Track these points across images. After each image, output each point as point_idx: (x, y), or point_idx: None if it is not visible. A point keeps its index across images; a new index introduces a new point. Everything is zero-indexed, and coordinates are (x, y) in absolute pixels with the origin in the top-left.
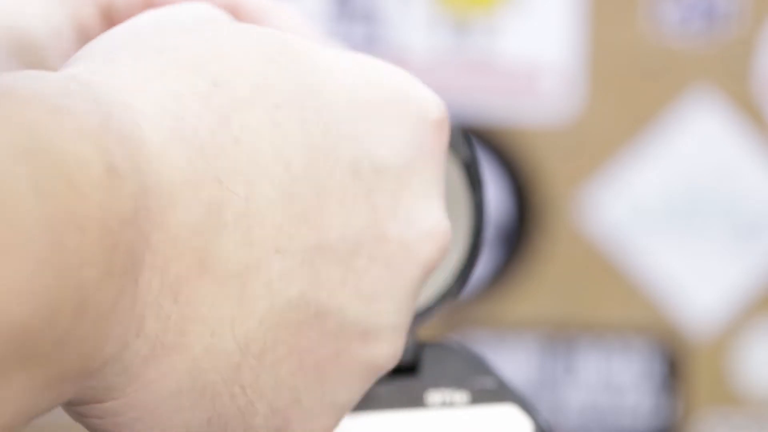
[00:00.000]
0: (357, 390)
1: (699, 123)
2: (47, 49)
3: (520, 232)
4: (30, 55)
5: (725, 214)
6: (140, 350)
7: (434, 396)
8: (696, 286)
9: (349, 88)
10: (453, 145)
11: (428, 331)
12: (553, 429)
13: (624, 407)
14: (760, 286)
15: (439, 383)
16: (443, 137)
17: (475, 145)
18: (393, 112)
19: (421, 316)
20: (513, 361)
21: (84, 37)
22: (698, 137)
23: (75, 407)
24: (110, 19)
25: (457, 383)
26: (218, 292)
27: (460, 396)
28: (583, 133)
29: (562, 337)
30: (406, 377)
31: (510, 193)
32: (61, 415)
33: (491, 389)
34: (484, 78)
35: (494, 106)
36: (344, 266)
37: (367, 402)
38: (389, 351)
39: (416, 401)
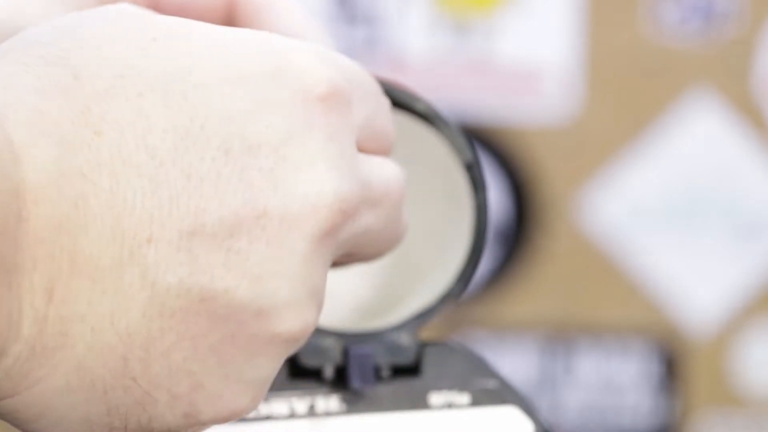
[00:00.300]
0: (267, 366)
1: (699, 123)
2: None
3: (520, 233)
4: None
5: (725, 214)
6: (20, 354)
7: (436, 397)
8: (695, 286)
9: (222, 67)
10: (455, 147)
11: (427, 332)
12: (553, 430)
13: (623, 407)
14: (759, 286)
15: (441, 385)
16: (332, 109)
17: (476, 146)
18: (269, 89)
19: (423, 317)
20: (512, 362)
21: None
22: (698, 137)
23: None
24: None
25: (458, 385)
26: (93, 288)
27: (462, 397)
28: (582, 134)
29: (562, 337)
30: (408, 378)
31: (509, 193)
32: None
33: (493, 391)
34: (484, 78)
35: (494, 106)
36: (224, 249)
37: (369, 403)
38: (294, 325)
39: (419, 403)
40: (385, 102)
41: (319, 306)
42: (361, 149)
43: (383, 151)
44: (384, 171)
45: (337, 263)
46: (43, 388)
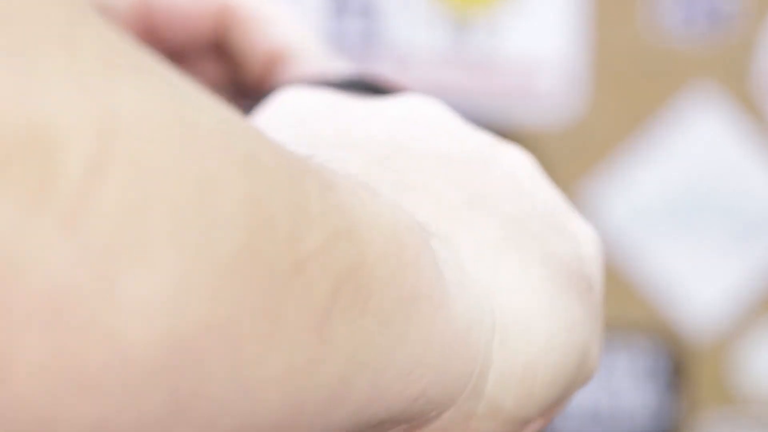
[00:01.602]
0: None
1: (700, 122)
2: None
3: None
4: None
5: (726, 214)
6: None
7: None
8: (697, 286)
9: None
10: None
11: None
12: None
13: (626, 408)
14: (761, 286)
15: None
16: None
17: None
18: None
19: None
20: None
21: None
22: (699, 137)
23: None
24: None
25: None
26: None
27: None
28: (583, 133)
29: None
30: None
31: None
32: None
33: None
34: (484, 77)
35: (494, 105)
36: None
37: None
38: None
39: None
40: None
41: None
42: None
43: None
44: None
45: None
46: None
